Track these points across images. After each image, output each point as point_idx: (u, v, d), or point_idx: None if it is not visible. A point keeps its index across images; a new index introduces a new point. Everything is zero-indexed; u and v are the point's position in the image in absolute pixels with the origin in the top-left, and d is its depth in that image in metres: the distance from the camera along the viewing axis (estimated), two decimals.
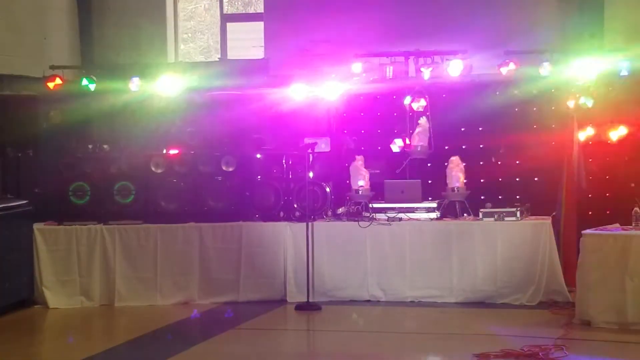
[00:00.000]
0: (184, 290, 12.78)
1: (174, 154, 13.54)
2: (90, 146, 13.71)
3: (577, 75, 12.83)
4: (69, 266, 12.85)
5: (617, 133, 12.75)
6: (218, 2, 17.36)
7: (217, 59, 16.57)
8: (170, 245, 12.86)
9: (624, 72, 12.88)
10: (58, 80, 14.01)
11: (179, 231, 12.89)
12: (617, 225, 10.99)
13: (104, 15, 16.68)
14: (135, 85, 13.88)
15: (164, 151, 13.61)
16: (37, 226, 12.95)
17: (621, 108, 12.86)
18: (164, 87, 13.83)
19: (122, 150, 13.67)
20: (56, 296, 12.80)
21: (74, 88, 14.13)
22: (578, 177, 12.62)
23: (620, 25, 14.30)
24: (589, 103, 12.74)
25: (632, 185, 12.88)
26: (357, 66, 13.77)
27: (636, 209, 10.72)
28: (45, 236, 12.91)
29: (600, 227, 11.02)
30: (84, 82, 14.02)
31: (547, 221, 12.30)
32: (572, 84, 12.91)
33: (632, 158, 12.91)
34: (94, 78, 14.02)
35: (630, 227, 10.72)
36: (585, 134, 12.76)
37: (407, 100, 13.56)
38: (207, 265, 12.81)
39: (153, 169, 13.37)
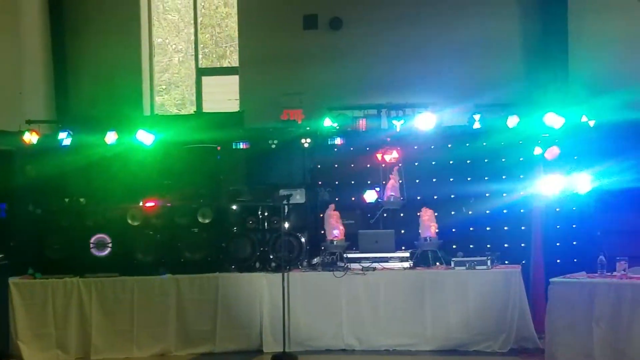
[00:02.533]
0: (161, 341, 12.80)
1: (150, 207, 13.65)
2: (66, 199, 13.77)
3: (543, 126, 13.15)
4: (44, 319, 12.85)
5: (583, 182, 13.01)
6: (193, 56, 17.58)
7: (193, 112, 16.74)
8: (147, 297, 12.90)
9: (589, 123, 13.23)
10: (34, 135, 14.06)
11: (156, 283, 12.95)
12: (584, 273, 11.19)
13: (80, 69, 16.85)
14: (111, 138, 13.96)
15: (141, 204, 13.72)
16: (12, 280, 12.96)
17: (586, 158, 13.17)
18: (140, 140, 13.96)
19: (99, 203, 13.77)
20: (31, 350, 12.78)
21: (50, 142, 14.20)
22: None
23: (585, 77, 14.60)
24: (555, 153, 13.04)
25: (598, 233, 13.16)
26: (330, 119, 14.01)
27: (601, 257, 10.91)
28: (20, 290, 12.90)
29: (568, 275, 11.24)
30: (60, 135, 14.10)
31: (517, 269, 12.49)
32: (538, 135, 13.22)
33: (597, 207, 13.18)
34: (70, 132, 14.09)
35: (596, 274, 10.91)
36: (552, 184, 13.03)
37: (379, 152, 13.81)
38: (183, 317, 12.85)
39: (130, 221, 13.52)
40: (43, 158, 14.02)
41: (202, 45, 17.78)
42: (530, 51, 15.21)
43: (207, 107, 17.09)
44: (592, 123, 13.37)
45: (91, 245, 13.36)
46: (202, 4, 17.86)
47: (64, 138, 14.10)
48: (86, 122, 15.05)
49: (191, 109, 17.41)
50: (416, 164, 13.82)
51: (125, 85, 16.71)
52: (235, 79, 16.83)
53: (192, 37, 17.68)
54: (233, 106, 16.75)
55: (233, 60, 17.49)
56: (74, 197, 13.80)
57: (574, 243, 13.29)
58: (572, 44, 14.90)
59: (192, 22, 17.70)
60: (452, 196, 13.78)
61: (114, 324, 12.86)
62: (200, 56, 17.59)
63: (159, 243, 13.45)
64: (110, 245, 13.39)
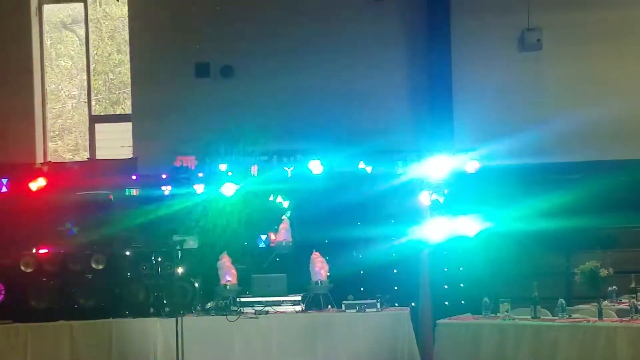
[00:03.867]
0: None
1: (43, 254, 13.61)
2: None
3: (429, 172, 13.60)
4: None
5: (469, 226, 13.44)
6: (86, 104, 17.58)
7: (87, 159, 16.73)
8: (41, 344, 12.78)
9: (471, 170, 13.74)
10: None
11: (50, 330, 12.86)
12: (469, 314, 11.58)
13: None
14: (4, 185, 14.00)
15: (34, 250, 13.68)
16: None
17: (472, 203, 13.64)
18: (32, 187, 14.00)
19: None
20: None
21: None
22: None
23: (468, 126, 15.09)
24: (441, 199, 13.49)
25: (484, 276, 13.57)
26: (223, 165, 14.21)
27: (485, 299, 11.32)
28: None
29: (454, 317, 11.62)
30: None
31: (406, 311, 12.74)
32: (425, 181, 13.67)
33: (483, 251, 13.63)
34: None
35: (481, 316, 11.30)
36: (439, 228, 13.44)
37: (271, 197, 14.08)
38: None
39: (23, 268, 13.42)
40: None
41: (95, 92, 17.74)
42: (416, 100, 15.58)
43: (101, 154, 17.08)
44: (475, 169, 13.85)
45: None
46: (95, 51, 17.90)
47: None
48: None
49: (85, 155, 17.38)
50: (308, 208, 14.04)
51: (18, 132, 16.58)
52: (128, 126, 16.88)
53: (85, 84, 17.67)
54: (126, 153, 16.80)
55: (127, 107, 17.50)
56: None
57: (461, 285, 13.61)
58: (456, 93, 15.34)
59: (85, 68, 17.67)
60: (343, 240, 13.92)
61: None
62: (93, 102, 17.54)
63: (53, 289, 13.37)
64: (3, 292, 13.29)
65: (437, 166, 13.60)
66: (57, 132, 18.12)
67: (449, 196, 13.63)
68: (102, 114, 17.76)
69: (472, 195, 13.76)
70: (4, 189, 14.11)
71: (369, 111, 15.52)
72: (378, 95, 15.64)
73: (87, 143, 17.45)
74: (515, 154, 14.51)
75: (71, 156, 18.01)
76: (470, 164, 13.82)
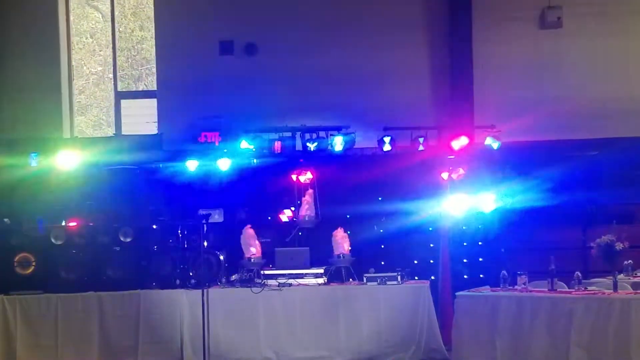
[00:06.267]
0: (85, 356, 13.02)
1: (73, 226, 13.94)
2: None
3: (449, 149, 13.82)
4: None
5: (488, 202, 13.67)
6: (109, 78, 17.77)
7: (113, 135, 16.89)
8: (71, 314, 13.14)
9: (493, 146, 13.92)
10: None
11: (79, 300, 13.20)
12: (487, 287, 11.81)
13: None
14: (33, 160, 14.28)
15: (64, 223, 14.01)
16: None
17: (491, 179, 13.85)
18: (61, 162, 14.28)
19: (23, 223, 13.95)
20: None
21: None
22: None
23: (488, 103, 15.24)
24: (461, 175, 13.70)
25: (502, 250, 13.84)
26: (247, 141, 14.45)
27: (503, 272, 11.55)
28: None
29: (473, 289, 11.86)
30: None
31: (426, 284, 13.02)
32: (445, 157, 13.87)
33: (501, 226, 13.86)
34: None
35: (499, 288, 11.53)
36: (458, 204, 13.67)
37: (294, 173, 14.35)
38: (106, 332, 13.12)
39: (53, 240, 13.76)
40: None
41: (118, 68, 17.92)
42: (437, 77, 15.65)
43: (126, 130, 17.26)
44: (495, 145, 14.04)
45: (15, 264, 13.58)
46: (118, 27, 18.02)
47: None
48: (7, 144, 15.21)
49: (108, 131, 17.51)
50: (330, 184, 14.30)
51: (45, 107, 16.72)
52: (153, 102, 17.00)
53: (108, 60, 17.73)
54: (151, 129, 16.92)
55: (149, 83, 17.63)
56: None
57: (480, 259, 13.91)
58: (476, 70, 15.42)
59: (108, 45, 17.74)
60: (364, 215, 14.26)
61: (38, 339, 13.08)
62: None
63: (82, 261, 13.71)
64: (34, 263, 13.63)
65: (457, 142, 13.82)
66: (78, 108, 18.26)
67: (469, 172, 13.81)
68: (125, 90, 17.92)
69: (491, 171, 13.94)
70: (34, 163, 14.34)
71: (390, 88, 15.59)
72: (399, 73, 15.69)
73: (110, 119, 17.58)
74: (534, 130, 14.63)
75: (94, 132, 18.19)
76: (490, 140, 13.97)
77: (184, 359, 13.06)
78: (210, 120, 15.48)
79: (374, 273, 13.24)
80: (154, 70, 17.07)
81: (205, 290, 12.88)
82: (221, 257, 13.77)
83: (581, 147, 14.78)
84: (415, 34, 15.92)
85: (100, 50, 18.39)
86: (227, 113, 15.57)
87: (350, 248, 13.64)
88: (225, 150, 14.57)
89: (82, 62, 18.38)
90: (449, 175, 13.82)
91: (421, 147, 14.04)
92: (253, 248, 13.57)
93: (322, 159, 14.46)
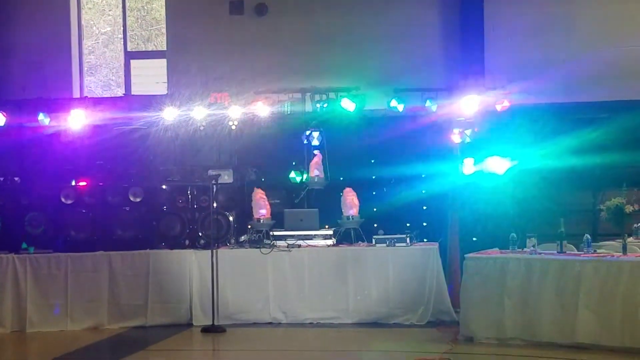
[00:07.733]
0: (94, 315, 13.14)
1: (83, 186, 13.98)
2: (1, 178, 14.05)
3: (460, 110, 13.75)
4: None
5: (499, 165, 13.61)
6: (118, 39, 17.69)
7: (122, 95, 16.88)
8: (80, 273, 13.20)
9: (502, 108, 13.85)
10: None
11: (89, 259, 13.27)
12: (497, 249, 11.79)
13: (9, 52, 16.90)
14: (42, 120, 14.25)
15: (74, 183, 14.04)
16: None
17: (502, 141, 13.80)
18: (71, 122, 14.26)
19: (33, 182, 14.01)
20: None
21: None
22: None
23: (499, 65, 15.18)
24: (472, 137, 13.65)
25: (512, 213, 13.77)
26: (256, 102, 14.37)
27: (513, 234, 11.51)
28: None
29: (481, 251, 11.85)
30: None
31: (435, 246, 13.06)
32: (455, 119, 13.82)
33: (511, 189, 13.82)
34: (3, 113, 14.19)
35: (508, 251, 11.51)
36: (468, 166, 13.63)
37: (304, 134, 14.32)
38: (116, 292, 13.20)
39: (63, 200, 13.81)
40: None
41: (127, 28, 17.85)
42: (448, 38, 15.58)
43: (135, 90, 17.24)
44: (506, 107, 13.96)
45: (25, 223, 13.61)
46: None
47: None
48: (17, 104, 15.09)
49: (117, 91, 17.53)
50: (339, 145, 14.27)
51: (55, 68, 16.69)
52: (163, 62, 16.93)
53: (117, 20, 17.74)
54: (161, 89, 16.86)
55: (158, 43, 17.63)
56: (8, 176, 14.07)
57: (489, 222, 13.80)
58: (487, 31, 15.30)
59: (117, 5, 17.67)
60: (374, 177, 14.28)
61: (49, 298, 13.13)
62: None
63: (92, 221, 13.76)
64: (44, 223, 13.66)
65: (467, 104, 13.73)
66: (88, 69, 18.24)
67: (479, 134, 13.77)
68: (135, 50, 17.88)
69: (501, 133, 13.89)
70: (44, 124, 14.31)
71: (401, 49, 15.50)
72: (410, 33, 15.62)
73: (120, 79, 17.58)
74: (545, 92, 14.53)
75: (103, 92, 18.17)
76: (501, 102, 13.91)
77: (193, 318, 13.15)
78: (220, 80, 15.38)
79: (383, 235, 13.24)
80: (164, 30, 17.02)
81: (214, 251, 12.98)
82: (230, 218, 13.80)
83: (593, 109, 14.69)
84: None
85: (109, 10, 18.41)
86: (236, 73, 15.50)
87: (359, 209, 13.63)
88: (235, 107, 14.43)
89: (92, 22, 18.38)
90: (460, 137, 13.74)
91: (432, 109, 13.92)
92: (263, 209, 13.59)
93: (332, 119, 14.37)
